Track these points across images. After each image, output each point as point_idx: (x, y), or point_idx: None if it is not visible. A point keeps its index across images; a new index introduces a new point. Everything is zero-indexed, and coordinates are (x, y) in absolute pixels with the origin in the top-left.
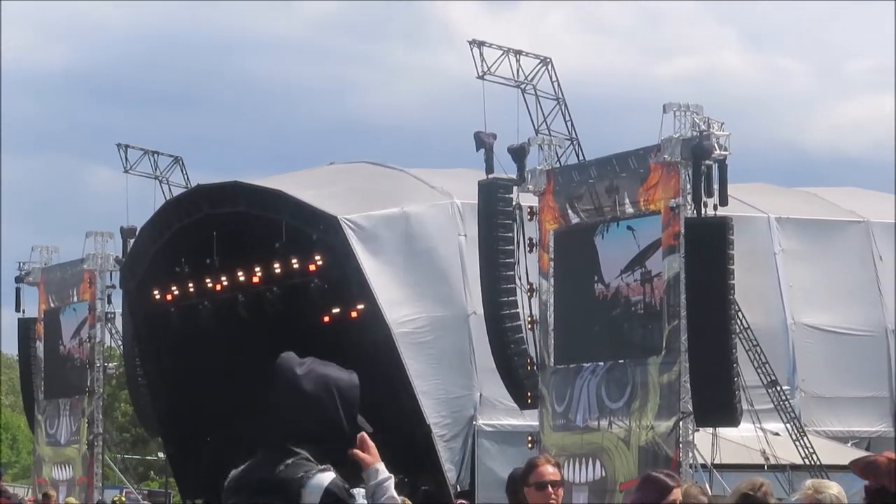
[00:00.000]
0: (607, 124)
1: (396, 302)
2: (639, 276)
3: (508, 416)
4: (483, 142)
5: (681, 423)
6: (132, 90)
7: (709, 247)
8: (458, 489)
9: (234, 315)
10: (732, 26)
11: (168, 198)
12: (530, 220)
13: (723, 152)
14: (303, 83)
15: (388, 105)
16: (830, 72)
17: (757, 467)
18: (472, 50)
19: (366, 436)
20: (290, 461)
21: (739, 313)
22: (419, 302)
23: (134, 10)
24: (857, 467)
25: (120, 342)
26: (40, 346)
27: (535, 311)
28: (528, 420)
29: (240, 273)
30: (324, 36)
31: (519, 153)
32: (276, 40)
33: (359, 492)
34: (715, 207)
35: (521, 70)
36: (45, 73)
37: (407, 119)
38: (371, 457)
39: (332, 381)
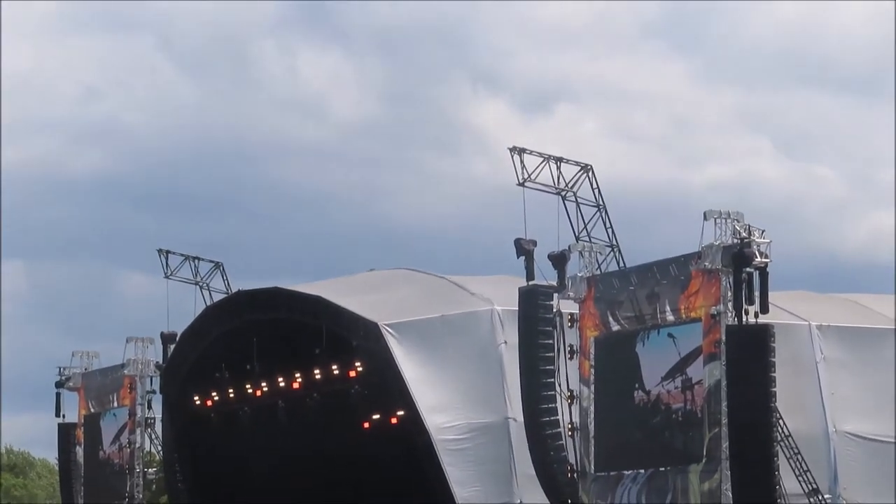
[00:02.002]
0: (644, 231)
1: (436, 408)
2: (680, 383)
3: None
4: (523, 248)
5: None
6: (168, 196)
7: (750, 354)
8: None
9: (275, 421)
10: (765, 135)
11: (208, 303)
12: (570, 326)
13: (764, 260)
14: (334, 189)
15: (422, 211)
16: (863, 181)
17: None
18: (512, 157)
19: None
20: None
21: (781, 421)
22: (459, 408)
23: (162, 118)
24: None
25: (160, 448)
26: (80, 451)
27: (576, 418)
28: None
29: (280, 379)
30: (353, 142)
31: (559, 260)
32: (307, 146)
33: None
34: (756, 315)
35: (561, 177)
36: (78, 179)
37: (441, 225)
38: None
39: None
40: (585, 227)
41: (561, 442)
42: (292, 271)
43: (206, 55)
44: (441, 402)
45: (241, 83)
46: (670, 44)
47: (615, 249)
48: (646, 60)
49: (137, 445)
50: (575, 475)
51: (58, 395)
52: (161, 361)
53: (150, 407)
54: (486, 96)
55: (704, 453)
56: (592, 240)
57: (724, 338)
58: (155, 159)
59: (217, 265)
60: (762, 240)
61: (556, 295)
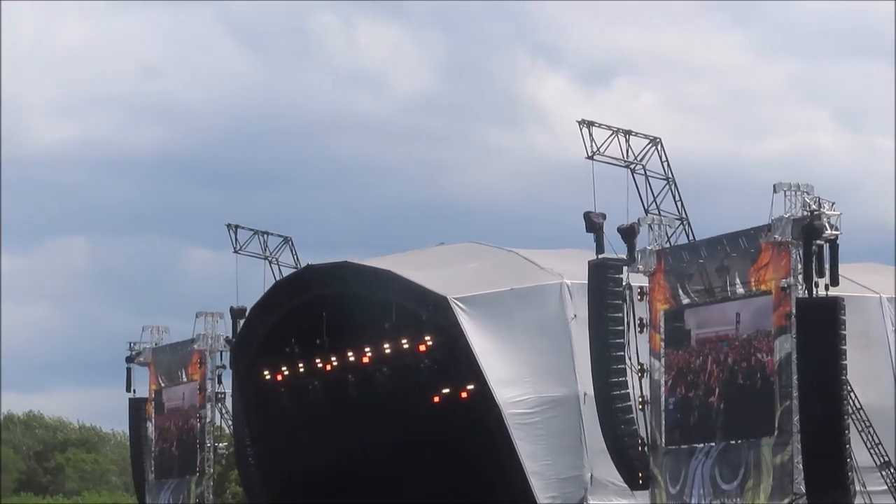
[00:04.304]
0: (705, 203)
1: (506, 382)
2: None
3: (619, 497)
4: (593, 222)
5: None
6: (233, 171)
7: (820, 327)
8: None
9: (344, 395)
10: (824, 106)
11: (278, 278)
12: (640, 300)
13: (834, 232)
14: (399, 163)
15: (485, 185)
16: None
17: None
18: (581, 130)
19: None
20: None
21: (852, 393)
22: (529, 382)
23: (223, 94)
24: None
25: (230, 422)
26: (150, 426)
27: (646, 392)
28: (640, 500)
29: (350, 353)
30: (415, 116)
31: (629, 233)
32: (367, 121)
33: None
34: (826, 287)
35: (630, 150)
36: (140, 156)
37: (504, 199)
38: None
39: None
40: (655, 200)
41: (631, 415)
42: (361, 245)
43: (266, 29)
44: (511, 375)
45: (302, 57)
46: (728, 15)
47: (685, 222)
48: (704, 32)
49: (208, 420)
50: (646, 448)
51: (128, 370)
52: (231, 336)
53: (220, 382)
54: (545, 70)
55: (776, 426)
56: (662, 213)
57: (794, 311)
58: (217, 135)
59: (286, 240)
60: (832, 212)
61: (625, 268)
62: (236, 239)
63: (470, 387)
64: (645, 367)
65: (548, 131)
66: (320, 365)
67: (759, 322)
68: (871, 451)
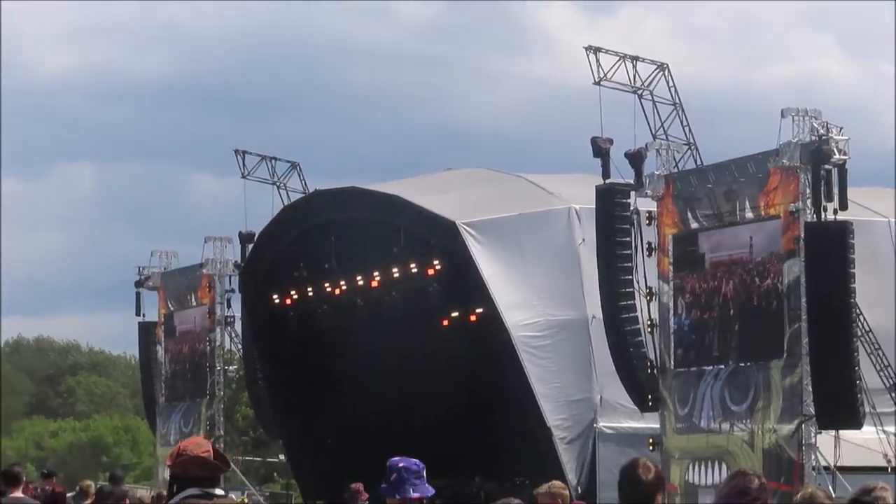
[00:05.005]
0: (712, 128)
1: (515, 306)
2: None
3: (629, 419)
4: (600, 147)
5: (803, 426)
6: (240, 98)
7: (829, 251)
8: (580, 491)
9: (353, 319)
10: (831, 33)
11: (286, 203)
12: (648, 224)
13: (842, 157)
14: (405, 89)
15: (491, 111)
16: None
17: (880, 470)
18: (588, 56)
19: None
20: None
21: (861, 316)
22: (538, 306)
23: (228, 21)
24: None
25: (240, 345)
26: (160, 349)
27: (655, 315)
28: (649, 423)
29: (358, 277)
30: (421, 43)
31: (636, 158)
32: (374, 48)
33: None
34: (835, 212)
35: (637, 76)
36: (143, 82)
37: (511, 125)
38: None
39: None
40: (662, 125)
41: (640, 338)
42: (368, 171)
43: None
44: (520, 299)
45: None
46: None
47: (692, 147)
48: None
49: (218, 344)
50: (655, 371)
51: (138, 294)
52: (239, 261)
53: (229, 306)
54: None
55: (785, 349)
56: (669, 138)
57: (802, 235)
58: (223, 62)
59: (294, 165)
60: (840, 137)
61: (633, 193)
62: (244, 164)
63: (479, 310)
64: (653, 290)
65: (552, 58)
66: (329, 289)
67: (772, 245)
68: (881, 373)
